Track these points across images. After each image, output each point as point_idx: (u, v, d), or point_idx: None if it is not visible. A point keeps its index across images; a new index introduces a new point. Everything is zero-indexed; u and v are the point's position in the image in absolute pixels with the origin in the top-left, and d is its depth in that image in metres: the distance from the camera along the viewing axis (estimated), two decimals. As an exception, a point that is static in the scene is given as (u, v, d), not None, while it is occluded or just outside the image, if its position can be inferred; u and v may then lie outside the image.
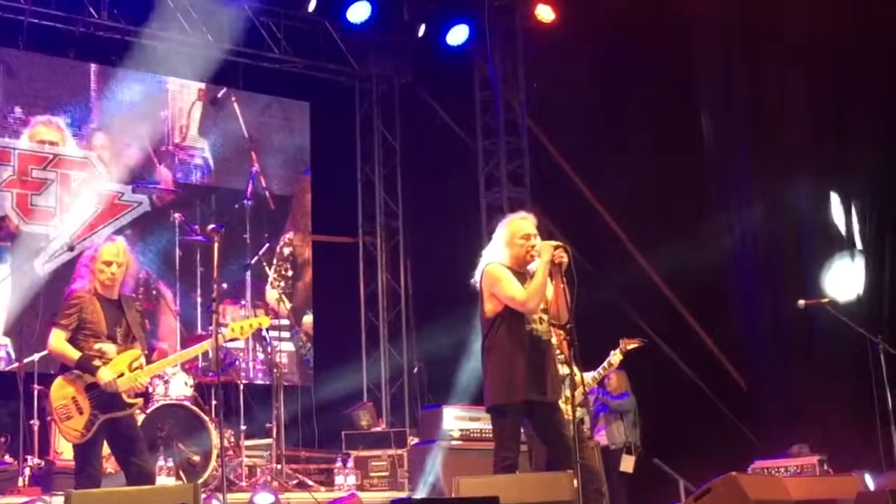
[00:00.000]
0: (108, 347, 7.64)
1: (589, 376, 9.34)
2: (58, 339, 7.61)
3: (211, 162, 13.67)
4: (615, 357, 9.69)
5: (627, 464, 11.14)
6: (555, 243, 7.38)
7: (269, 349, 12.13)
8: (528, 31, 14.04)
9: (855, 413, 10.92)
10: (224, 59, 13.57)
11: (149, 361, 7.82)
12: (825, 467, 10.45)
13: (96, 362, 7.54)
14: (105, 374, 7.52)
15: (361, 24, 13.77)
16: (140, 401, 7.87)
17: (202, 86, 13.74)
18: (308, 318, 14.03)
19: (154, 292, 12.87)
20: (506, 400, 7.30)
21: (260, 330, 9.20)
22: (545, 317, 7.45)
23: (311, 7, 13.62)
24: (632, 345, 9.76)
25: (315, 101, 14.53)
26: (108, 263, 7.70)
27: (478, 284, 7.52)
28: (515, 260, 7.48)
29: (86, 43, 12.98)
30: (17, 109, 12.51)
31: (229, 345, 12.14)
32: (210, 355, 8.73)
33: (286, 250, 14.00)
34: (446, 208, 14.19)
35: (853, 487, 7.70)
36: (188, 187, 13.39)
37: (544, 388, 7.34)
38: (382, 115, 15.06)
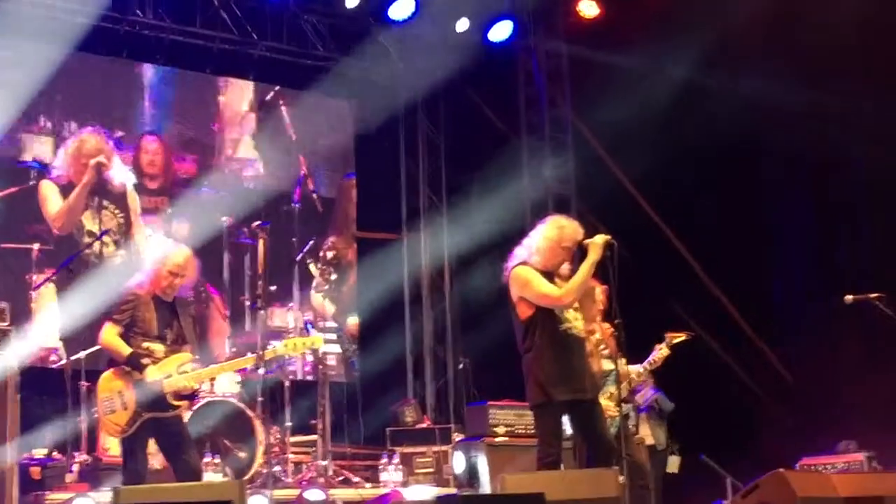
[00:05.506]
0: (157, 347, 7.72)
1: (634, 371, 9.28)
2: (110, 334, 7.69)
3: (262, 170, 13.67)
4: (662, 352, 9.57)
5: (673, 465, 11.09)
6: (604, 240, 7.41)
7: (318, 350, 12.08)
8: (572, 26, 14.02)
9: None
10: (269, 57, 13.62)
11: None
12: (873, 464, 10.37)
13: (145, 360, 7.62)
14: (152, 374, 7.60)
15: (404, 20, 13.77)
16: (185, 403, 7.95)
17: (252, 97, 13.73)
18: (353, 319, 14.04)
19: (203, 295, 12.90)
20: (545, 399, 7.36)
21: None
22: (579, 315, 7.48)
23: (352, 3, 13.58)
24: (678, 338, 9.61)
25: (359, 98, 14.53)
26: (175, 274, 7.78)
27: (506, 286, 7.58)
28: (549, 263, 7.51)
29: (131, 44, 12.99)
30: (73, 124, 12.30)
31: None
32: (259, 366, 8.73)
33: (329, 254, 13.98)
34: (491, 204, 14.16)
35: (902, 484, 7.65)
36: (237, 192, 13.35)
37: (582, 386, 7.40)
38: (426, 111, 15.03)
